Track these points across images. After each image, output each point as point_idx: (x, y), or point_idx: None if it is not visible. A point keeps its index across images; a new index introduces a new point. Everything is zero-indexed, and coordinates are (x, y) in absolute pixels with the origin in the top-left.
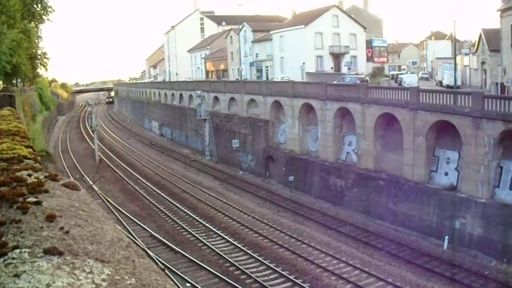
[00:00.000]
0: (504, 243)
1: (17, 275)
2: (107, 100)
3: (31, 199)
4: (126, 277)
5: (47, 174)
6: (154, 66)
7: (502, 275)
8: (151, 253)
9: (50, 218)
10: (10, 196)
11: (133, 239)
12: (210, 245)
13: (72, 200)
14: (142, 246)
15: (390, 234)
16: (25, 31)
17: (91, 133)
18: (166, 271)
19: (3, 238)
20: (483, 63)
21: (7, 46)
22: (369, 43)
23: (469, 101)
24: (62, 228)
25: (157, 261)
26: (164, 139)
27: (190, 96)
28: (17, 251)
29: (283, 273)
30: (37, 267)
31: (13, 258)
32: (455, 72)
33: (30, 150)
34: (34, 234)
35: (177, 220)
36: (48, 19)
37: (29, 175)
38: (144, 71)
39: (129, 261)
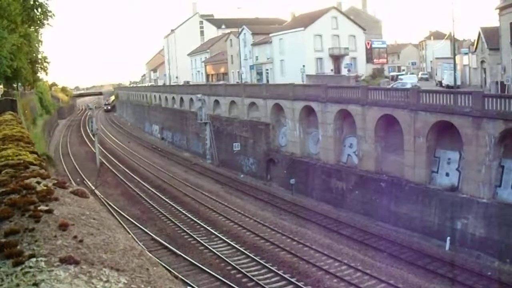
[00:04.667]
0: (507, 243)
1: (36, 284)
2: (106, 108)
3: (42, 207)
4: (142, 286)
5: (56, 182)
6: (154, 70)
7: (505, 276)
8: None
9: (63, 226)
10: (21, 204)
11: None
12: (211, 248)
13: (82, 208)
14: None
15: (392, 235)
16: (26, 36)
17: (92, 137)
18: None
19: (18, 247)
20: (482, 62)
21: (8, 51)
22: (368, 45)
23: (469, 101)
24: (75, 237)
25: None
26: (165, 143)
27: (191, 99)
28: (34, 259)
29: (285, 276)
30: (55, 276)
31: (30, 267)
32: (454, 71)
33: (35, 156)
34: (49, 243)
35: (178, 224)
36: (48, 24)
37: (38, 183)
38: (144, 75)
39: (144, 269)
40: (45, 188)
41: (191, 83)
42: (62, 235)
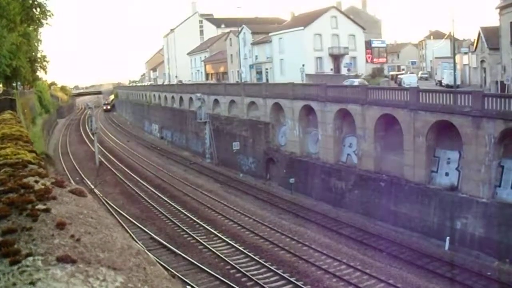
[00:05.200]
0: (506, 243)
1: (32, 283)
2: (105, 108)
3: (40, 206)
4: (139, 285)
5: (54, 181)
6: (154, 69)
7: (505, 276)
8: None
9: (61, 225)
10: (19, 203)
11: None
12: (210, 248)
13: (80, 207)
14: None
15: (391, 235)
16: (25, 35)
17: (91, 136)
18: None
19: (15, 246)
20: (482, 61)
21: (7, 50)
22: (368, 45)
23: (469, 101)
24: (73, 236)
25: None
26: (164, 142)
27: (190, 99)
28: (31, 258)
29: (284, 275)
30: (52, 275)
31: (27, 266)
32: (454, 71)
33: (34, 155)
34: (46, 241)
35: (177, 223)
36: (47, 23)
37: (36, 182)
38: (144, 74)
39: (141, 268)
40: (43, 187)
41: (184, 82)
42: (60, 234)
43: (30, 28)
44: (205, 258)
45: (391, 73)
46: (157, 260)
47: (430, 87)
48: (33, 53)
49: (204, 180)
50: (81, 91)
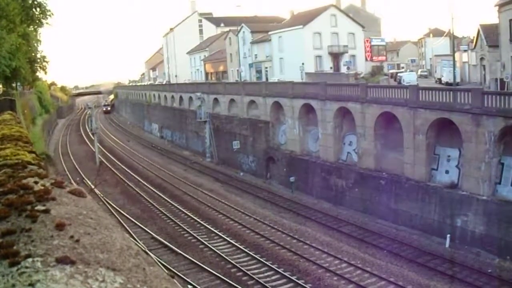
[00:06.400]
0: (507, 240)
1: (31, 284)
2: (105, 109)
3: (39, 207)
4: (138, 285)
5: (53, 181)
6: (153, 69)
7: (506, 273)
8: (152, 255)
9: (60, 226)
10: (18, 204)
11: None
12: (211, 247)
13: (80, 208)
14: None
15: (392, 233)
16: (24, 35)
17: (91, 136)
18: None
19: (14, 247)
20: (482, 59)
21: (7, 50)
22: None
23: (469, 98)
24: (72, 237)
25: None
26: (164, 142)
27: (190, 98)
28: (30, 260)
29: (285, 274)
30: (51, 276)
31: (26, 267)
32: (454, 69)
33: (34, 155)
34: (45, 243)
35: (178, 222)
36: (47, 23)
37: (36, 183)
38: (144, 73)
39: (140, 269)
40: (42, 188)
41: (171, 82)
42: (59, 235)
43: (30, 29)
44: (206, 257)
45: (391, 71)
46: (158, 259)
47: (430, 85)
48: (33, 54)
49: (205, 179)
50: (81, 91)
